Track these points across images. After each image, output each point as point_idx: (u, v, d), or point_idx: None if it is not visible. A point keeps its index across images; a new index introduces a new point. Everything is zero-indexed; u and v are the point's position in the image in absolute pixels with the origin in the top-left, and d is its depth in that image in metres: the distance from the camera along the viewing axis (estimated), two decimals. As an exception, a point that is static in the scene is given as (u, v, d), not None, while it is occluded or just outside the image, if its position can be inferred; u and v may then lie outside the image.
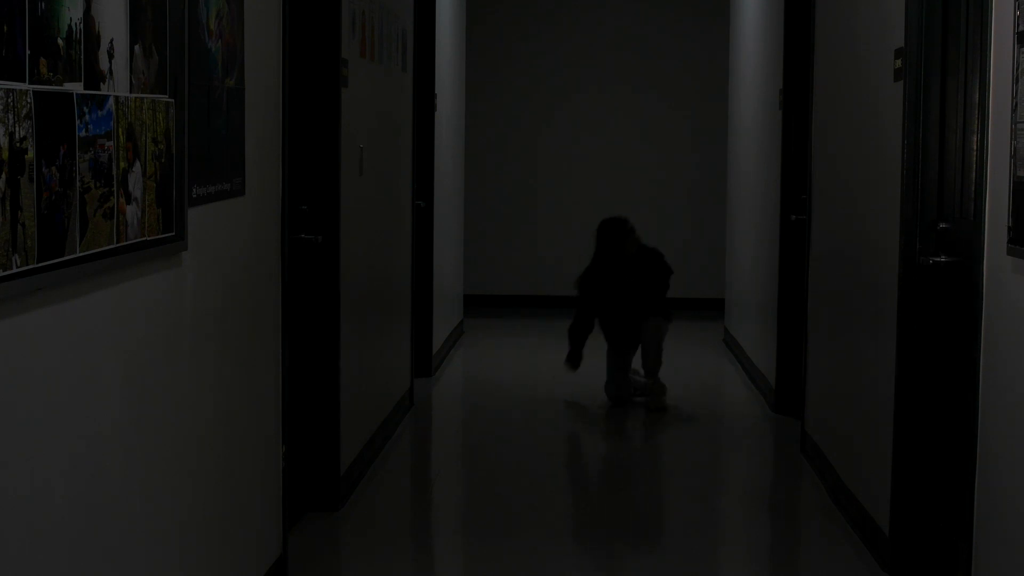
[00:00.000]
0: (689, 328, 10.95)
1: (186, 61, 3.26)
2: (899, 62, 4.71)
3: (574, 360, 8.05)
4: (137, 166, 2.92)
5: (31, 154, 2.39)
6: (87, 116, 2.64)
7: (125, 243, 2.87)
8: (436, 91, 8.54)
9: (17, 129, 2.33)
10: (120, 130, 2.81)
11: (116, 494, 2.95)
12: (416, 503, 6.02)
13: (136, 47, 2.91)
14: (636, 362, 8.02)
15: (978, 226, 3.72)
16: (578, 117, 12.02)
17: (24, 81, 2.36)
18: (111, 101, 2.76)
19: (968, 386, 3.83)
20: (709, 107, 11.71)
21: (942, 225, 4.44)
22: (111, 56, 2.76)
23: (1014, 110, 3.37)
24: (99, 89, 2.70)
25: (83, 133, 2.62)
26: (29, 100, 2.38)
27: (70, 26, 2.55)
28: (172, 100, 3.16)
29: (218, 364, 3.73)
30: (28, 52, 2.37)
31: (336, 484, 5.45)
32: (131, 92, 2.88)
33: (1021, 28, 3.31)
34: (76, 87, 2.59)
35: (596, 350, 7.97)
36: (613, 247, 7.97)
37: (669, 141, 11.98)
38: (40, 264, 2.45)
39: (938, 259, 4.35)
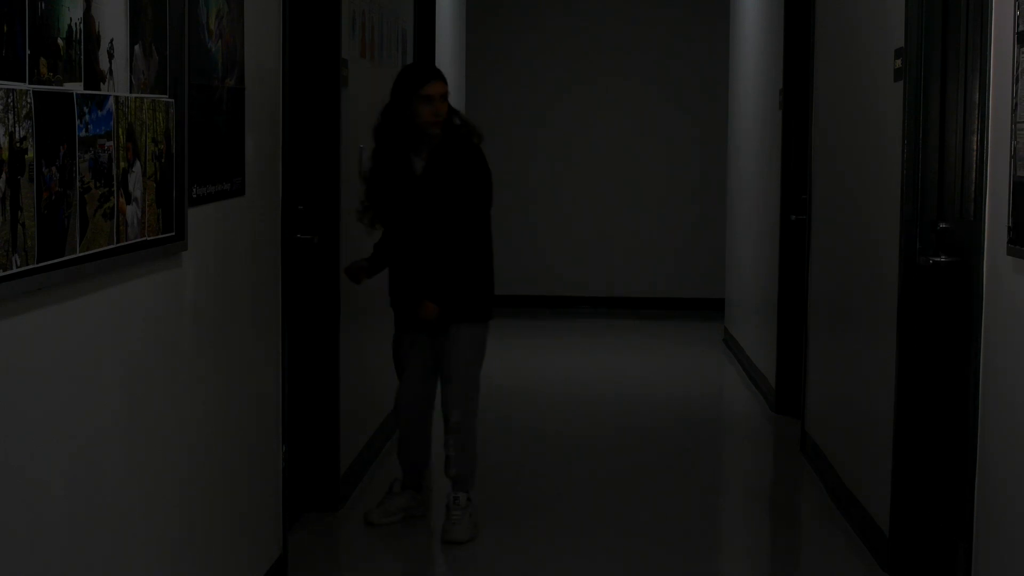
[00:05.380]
0: (689, 328, 10.96)
1: (186, 61, 3.26)
2: (899, 62, 4.70)
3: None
4: (137, 166, 2.92)
5: (31, 154, 2.39)
6: (87, 116, 2.64)
7: (125, 243, 2.87)
8: (436, 91, 8.52)
9: (17, 129, 2.33)
10: (120, 130, 2.81)
11: (116, 494, 2.95)
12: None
13: (136, 47, 2.91)
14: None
15: (978, 226, 3.72)
16: (578, 117, 12.01)
17: (24, 81, 2.36)
18: (111, 101, 2.76)
19: (968, 386, 3.83)
20: (709, 107, 11.71)
21: (942, 225, 4.43)
22: (111, 56, 2.76)
23: (1014, 110, 3.37)
24: (99, 89, 2.70)
25: (83, 133, 2.62)
26: (29, 100, 2.38)
27: (70, 26, 2.55)
28: (172, 100, 3.16)
29: (218, 364, 3.73)
30: (28, 52, 2.37)
31: (336, 484, 5.44)
32: (131, 92, 2.88)
33: (1021, 28, 3.31)
34: (76, 87, 2.59)
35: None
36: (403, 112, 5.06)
37: (669, 141, 11.97)
38: (40, 264, 2.45)
39: (938, 259, 4.34)
